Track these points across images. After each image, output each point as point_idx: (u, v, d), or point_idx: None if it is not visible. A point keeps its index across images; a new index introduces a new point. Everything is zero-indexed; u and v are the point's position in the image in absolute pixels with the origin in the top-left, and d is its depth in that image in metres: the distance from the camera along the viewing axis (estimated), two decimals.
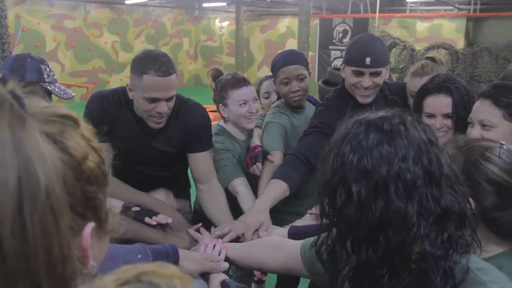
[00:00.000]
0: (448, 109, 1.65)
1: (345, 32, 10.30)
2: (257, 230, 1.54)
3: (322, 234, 0.99)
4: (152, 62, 1.61)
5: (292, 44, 11.59)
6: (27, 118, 0.47)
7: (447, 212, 0.80)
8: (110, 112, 1.72)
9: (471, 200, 1.02)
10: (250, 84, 1.97)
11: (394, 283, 0.81)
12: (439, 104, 1.66)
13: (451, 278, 0.80)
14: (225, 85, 1.95)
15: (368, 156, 0.80)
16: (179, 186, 2.02)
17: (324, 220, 0.92)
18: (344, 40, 10.25)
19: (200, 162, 1.85)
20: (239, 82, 1.93)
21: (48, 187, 0.45)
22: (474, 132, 1.45)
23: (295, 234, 1.45)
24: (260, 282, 2.70)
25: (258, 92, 2.57)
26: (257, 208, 1.62)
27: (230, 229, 1.52)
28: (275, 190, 1.68)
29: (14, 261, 0.43)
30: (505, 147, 1.05)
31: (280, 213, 1.95)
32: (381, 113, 0.86)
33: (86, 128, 0.55)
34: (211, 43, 14.21)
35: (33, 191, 0.44)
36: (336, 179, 0.83)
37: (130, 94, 1.70)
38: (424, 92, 1.70)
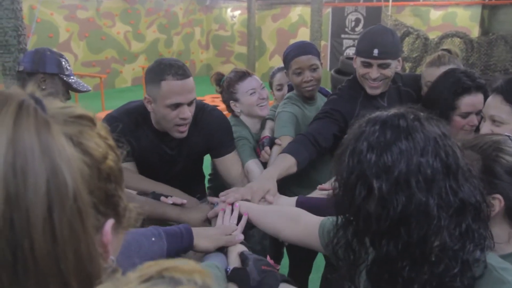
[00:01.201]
0: (481, 106, 1.65)
1: (357, 21, 10.21)
2: (263, 198, 1.55)
3: (336, 231, 1.01)
4: (168, 68, 1.60)
5: (304, 33, 11.51)
6: (51, 123, 0.48)
7: (465, 204, 0.82)
8: (126, 133, 1.66)
9: (499, 196, 1.02)
10: (254, 75, 2.01)
11: (414, 275, 0.82)
12: (478, 101, 1.66)
13: (469, 270, 0.81)
14: (230, 81, 1.99)
15: (387, 152, 0.82)
16: (196, 183, 2.04)
17: (340, 218, 0.94)
18: (357, 29, 10.16)
19: (230, 164, 1.86)
20: (243, 74, 1.97)
21: (75, 190, 0.47)
22: (485, 127, 1.45)
23: (302, 205, 1.48)
24: None
25: (271, 84, 2.58)
26: (264, 176, 1.65)
27: (234, 198, 1.52)
28: (283, 163, 1.70)
29: (45, 262, 0.45)
30: None
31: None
32: (394, 111, 0.88)
33: (101, 126, 0.56)
34: (223, 32, 14.16)
35: (62, 195, 0.46)
36: (353, 177, 0.85)
37: (149, 107, 1.68)
38: (463, 90, 1.66)
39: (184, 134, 1.70)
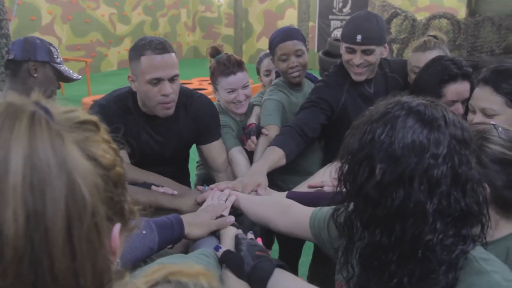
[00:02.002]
0: (467, 94, 1.64)
1: (345, 2, 10.13)
2: (254, 190, 1.56)
3: (340, 201, 0.99)
4: (148, 44, 1.59)
5: (291, 14, 11.40)
6: (64, 134, 0.46)
7: (466, 215, 0.81)
8: (115, 120, 1.63)
9: (485, 185, 1.03)
10: (240, 70, 1.94)
11: (399, 270, 0.83)
12: (465, 90, 1.65)
13: (454, 269, 0.81)
14: (215, 70, 1.96)
15: (400, 142, 0.80)
16: (184, 174, 2.03)
17: (342, 188, 0.93)
18: (344, 10, 10.10)
19: (215, 152, 1.85)
20: (228, 69, 1.92)
21: (93, 206, 0.46)
22: (476, 120, 1.44)
23: (292, 199, 1.47)
24: None
25: (258, 70, 2.56)
26: (254, 170, 1.64)
27: (226, 186, 1.54)
28: (272, 155, 1.70)
29: (64, 279, 0.44)
30: (500, 128, 1.07)
31: (280, 190, 1.98)
32: (424, 101, 0.85)
33: (104, 130, 0.54)
34: (209, 14, 13.98)
35: (80, 211, 0.45)
36: (363, 153, 0.84)
37: (132, 86, 1.66)
38: (450, 78, 1.64)
39: (170, 112, 1.67)
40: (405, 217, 0.80)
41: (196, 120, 1.80)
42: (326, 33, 10.11)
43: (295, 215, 1.28)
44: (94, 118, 0.53)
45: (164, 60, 1.59)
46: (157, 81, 1.59)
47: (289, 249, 2.26)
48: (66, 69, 2.01)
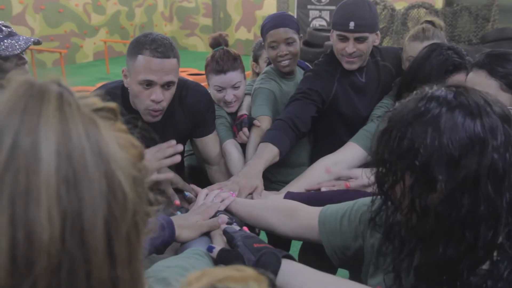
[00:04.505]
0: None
1: None
2: (250, 194, 1.52)
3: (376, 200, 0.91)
4: (150, 43, 1.48)
5: (270, 4, 11.32)
6: (97, 119, 0.39)
7: None
8: None
9: None
10: (233, 70, 1.87)
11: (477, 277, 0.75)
12: (464, 79, 1.62)
13: None
14: (207, 66, 1.91)
15: (454, 143, 0.71)
16: (180, 167, 1.96)
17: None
18: (323, 0, 10.07)
19: (210, 144, 1.80)
20: (219, 66, 1.86)
21: (134, 203, 0.39)
22: None
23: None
24: None
25: (256, 57, 2.47)
26: (251, 171, 1.58)
27: (220, 188, 1.49)
28: (267, 153, 1.65)
29: None
30: None
31: (269, 182, 1.94)
32: (453, 89, 0.76)
33: (120, 120, 0.47)
34: (187, 3, 13.77)
35: (122, 209, 0.38)
36: (404, 162, 0.75)
37: (125, 82, 1.57)
38: (455, 68, 1.62)
39: (156, 119, 1.60)
40: (476, 223, 0.71)
41: (192, 113, 1.72)
42: (305, 23, 10.06)
43: (303, 218, 1.21)
44: (113, 105, 0.46)
45: (162, 64, 1.49)
46: (149, 84, 1.51)
47: (278, 239, 2.23)
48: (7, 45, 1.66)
